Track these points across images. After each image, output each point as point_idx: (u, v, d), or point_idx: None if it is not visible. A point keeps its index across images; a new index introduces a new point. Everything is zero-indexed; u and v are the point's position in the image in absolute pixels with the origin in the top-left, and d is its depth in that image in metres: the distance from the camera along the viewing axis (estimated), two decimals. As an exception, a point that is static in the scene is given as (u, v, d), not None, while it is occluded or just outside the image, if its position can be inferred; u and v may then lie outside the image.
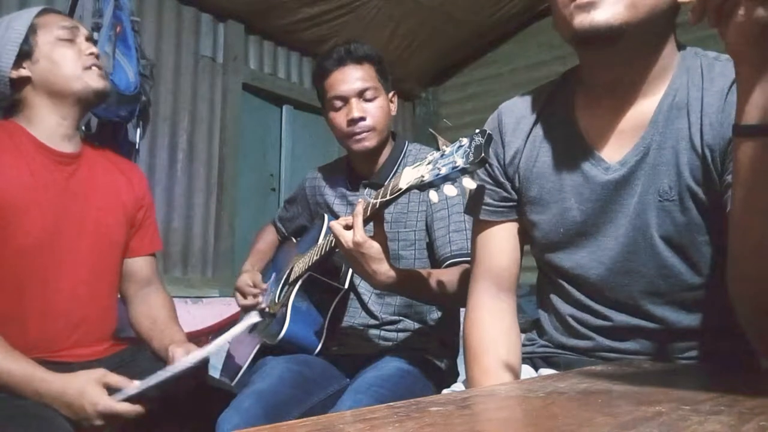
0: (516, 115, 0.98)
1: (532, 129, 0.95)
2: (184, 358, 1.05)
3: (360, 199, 1.18)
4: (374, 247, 1.12)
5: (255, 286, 1.56)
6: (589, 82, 0.90)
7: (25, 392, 1.05)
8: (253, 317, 1.19)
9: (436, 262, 1.40)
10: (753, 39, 0.60)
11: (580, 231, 0.90)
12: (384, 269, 1.14)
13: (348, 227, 1.15)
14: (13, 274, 1.17)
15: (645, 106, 0.84)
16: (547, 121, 0.94)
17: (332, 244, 1.28)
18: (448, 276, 1.30)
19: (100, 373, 1.06)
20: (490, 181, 0.99)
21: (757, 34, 0.60)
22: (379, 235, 1.15)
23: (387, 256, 1.15)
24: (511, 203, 0.98)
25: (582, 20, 0.77)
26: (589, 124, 0.89)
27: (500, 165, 0.98)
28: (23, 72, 1.23)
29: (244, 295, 1.56)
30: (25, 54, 1.23)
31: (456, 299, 1.32)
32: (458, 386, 1.07)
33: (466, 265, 1.33)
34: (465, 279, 1.32)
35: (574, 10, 0.78)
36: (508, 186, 0.97)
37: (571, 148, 0.90)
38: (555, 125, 0.93)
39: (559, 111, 0.93)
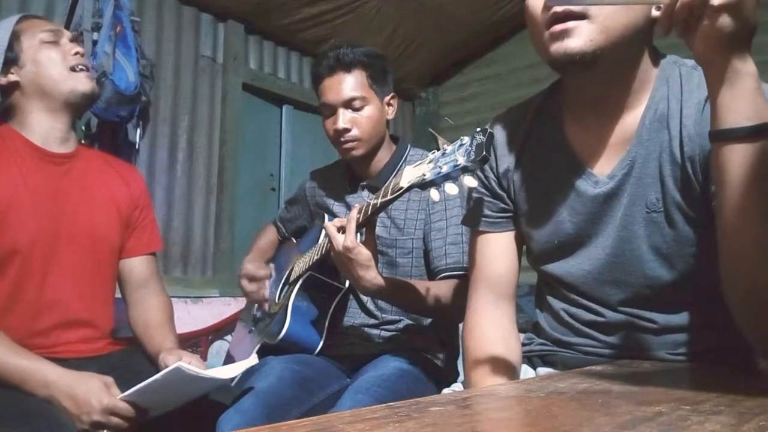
0: (507, 129, 0.99)
1: (523, 143, 0.96)
2: (174, 364, 1.04)
3: (355, 204, 1.19)
4: (363, 254, 1.15)
5: (259, 275, 1.56)
6: (573, 98, 0.91)
7: (33, 384, 1.06)
8: (253, 360, 1.22)
9: (430, 273, 1.41)
10: (718, 47, 0.62)
11: (572, 242, 0.91)
12: (370, 276, 1.17)
13: (342, 230, 1.16)
14: (7, 272, 1.18)
15: (629, 120, 0.85)
16: (537, 134, 0.95)
17: None
18: (438, 290, 1.31)
19: (108, 380, 1.09)
20: (487, 193, 0.99)
21: (722, 42, 0.61)
22: (370, 243, 1.17)
23: (375, 263, 1.17)
24: (508, 214, 0.99)
25: (557, 48, 0.78)
26: (578, 137, 0.90)
27: (495, 177, 0.99)
28: (11, 77, 1.24)
29: (251, 280, 1.56)
30: (11, 60, 1.24)
31: (445, 313, 1.34)
32: (458, 386, 1.07)
33: (458, 281, 1.35)
34: (456, 293, 1.34)
35: (548, 39, 0.79)
36: (505, 197, 0.98)
37: (562, 161, 0.91)
38: (545, 139, 0.94)
39: (548, 124, 0.94)
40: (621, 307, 0.88)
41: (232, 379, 1.21)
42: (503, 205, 0.98)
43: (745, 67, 0.63)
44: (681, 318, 0.86)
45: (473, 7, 3.41)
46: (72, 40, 1.31)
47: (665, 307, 0.86)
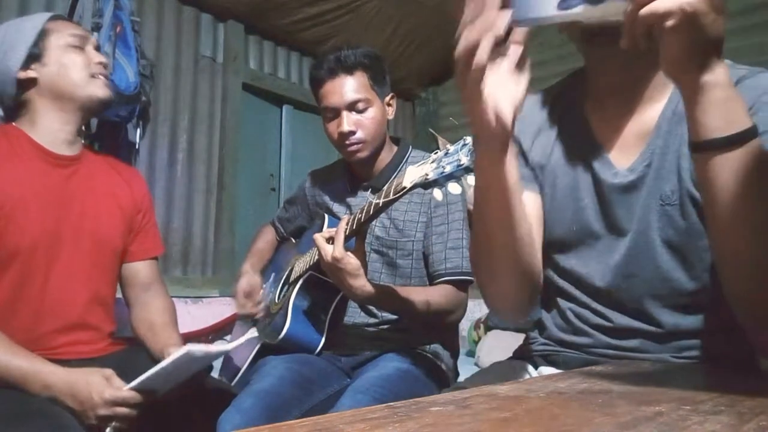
0: (526, 110, 0.98)
1: (544, 125, 0.96)
2: (182, 348, 1.05)
3: (343, 216, 1.21)
4: (351, 263, 1.16)
5: (253, 292, 1.56)
6: (595, 86, 0.91)
7: (34, 386, 1.06)
8: (254, 333, 1.23)
9: (429, 276, 1.41)
10: (681, 64, 0.62)
11: (589, 231, 0.90)
12: (359, 284, 1.18)
13: (331, 240, 1.18)
14: (10, 273, 1.18)
15: (650, 113, 0.86)
16: (559, 118, 0.95)
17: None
18: (430, 296, 1.32)
19: (108, 372, 1.09)
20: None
21: (683, 59, 0.61)
22: (359, 252, 1.18)
23: (365, 272, 1.19)
24: (525, 166, 0.96)
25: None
26: (600, 125, 0.90)
27: (518, 146, 0.97)
28: (31, 73, 1.25)
29: (244, 301, 1.56)
30: (34, 56, 1.25)
31: (437, 319, 1.35)
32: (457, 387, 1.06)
33: (453, 287, 1.36)
34: (450, 300, 1.35)
35: None
36: (523, 160, 0.96)
37: (584, 148, 0.91)
38: (567, 123, 0.94)
39: (570, 110, 0.94)
40: (632, 305, 0.87)
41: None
42: (528, 165, 0.96)
43: (713, 79, 0.62)
44: (689, 321, 0.85)
45: (473, 7, 3.41)
46: (96, 48, 1.33)
47: (676, 306, 0.86)
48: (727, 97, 0.63)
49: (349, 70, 1.42)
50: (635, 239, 0.86)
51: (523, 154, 0.97)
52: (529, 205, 0.92)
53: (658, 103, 0.85)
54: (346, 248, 1.18)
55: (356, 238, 1.19)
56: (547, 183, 0.94)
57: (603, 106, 0.89)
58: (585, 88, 0.93)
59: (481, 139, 0.71)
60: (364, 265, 1.19)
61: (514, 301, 0.90)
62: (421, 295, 1.32)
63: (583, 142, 0.91)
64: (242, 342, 1.20)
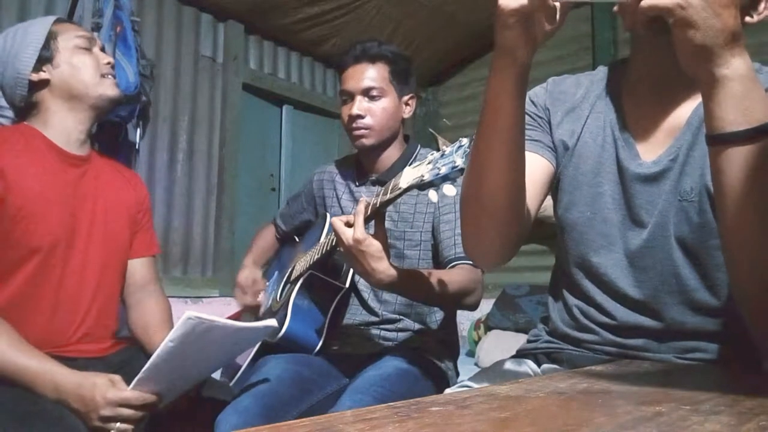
0: (564, 86, 0.99)
1: (578, 105, 0.96)
2: (183, 316, 0.99)
3: (362, 198, 1.18)
4: (374, 245, 1.13)
5: (253, 284, 1.57)
6: (636, 75, 0.91)
7: (43, 386, 1.06)
8: (270, 322, 1.16)
9: (440, 263, 1.41)
10: (694, 59, 0.62)
11: (603, 218, 0.90)
12: (383, 267, 1.14)
13: (349, 224, 1.15)
14: (28, 270, 1.19)
15: (684, 109, 0.86)
16: (594, 102, 0.95)
17: (334, 243, 1.28)
18: (451, 276, 1.30)
19: (115, 378, 1.09)
20: (528, 111, 0.96)
21: (695, 54, 0.62)
22: (380, 234, 1.15)
23: (387, 255, 1.15)
24: (546, 134, 0.96)
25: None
26: (634, 115, 0.90)
27: (547, 119, 0.97)
28: (43, 75, 1.27)
29: (245, 292, 1.57)
30: (45, 58, 1.27)
31: (457, 300, 1.33)
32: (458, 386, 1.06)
33: (470, 266, 1.34)
34: (471, 279, 1.33)
35: None
36: (547, 129, 0.96)
37: (615, 134, 0.91)
38: (602, 108, 0.94)
39: (608, 95, 0.94)
40: (640, 298, 0.87)
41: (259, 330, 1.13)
42: (546, 130, 0.96)
43: (729, 73, 0.62)
44: (696, 321, 0.86)
45: (473, 7, 3.42)
46: (101, 50, 1.36)
47: (684, 304, 0.86)
48: (744, 91, 0.63)
49: (372, 60, 1.46)
50: (653, 232, 0.86)
51: (549, 125, 0.97)
52: (532, 167, 0.91)
53: (694, 101, 0.85)
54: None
55: (375, 221, 1.16)
56: (571, 164, 0.94)
57: (640, 96, 0.90)
58: (626, 76, 0.93)
59: (502, 50, 0.73)
60: (386, 248, 1.15)
61: (489, 246, 0.90)
62: (445, 275, 1.29)
63: (614, 129, 0.91)
64: (260, 325, 1.12)
